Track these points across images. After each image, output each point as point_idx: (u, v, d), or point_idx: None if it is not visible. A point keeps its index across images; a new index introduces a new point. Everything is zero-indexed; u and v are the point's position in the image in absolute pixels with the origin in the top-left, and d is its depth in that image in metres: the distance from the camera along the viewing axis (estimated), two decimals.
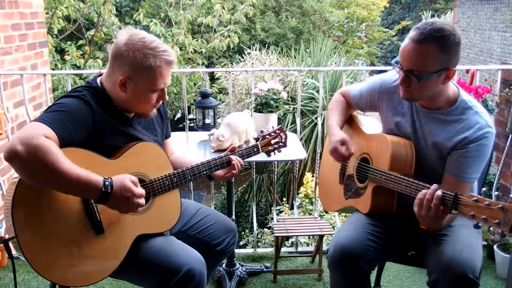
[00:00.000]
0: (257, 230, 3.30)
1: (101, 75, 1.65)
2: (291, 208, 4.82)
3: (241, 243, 4.65)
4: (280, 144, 2.02)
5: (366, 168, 1.82)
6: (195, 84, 7.25)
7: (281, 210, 4.73)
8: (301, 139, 4.31)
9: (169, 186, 1.67)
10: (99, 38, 7.08)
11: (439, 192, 1.46)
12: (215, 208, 3.29)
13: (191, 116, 7.64)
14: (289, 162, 5.00)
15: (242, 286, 2.56)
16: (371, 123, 2.04)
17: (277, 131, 2.01)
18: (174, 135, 2.14)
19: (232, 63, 8.14)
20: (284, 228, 2.60)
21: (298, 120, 3.09)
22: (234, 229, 1.93)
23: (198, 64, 7.65)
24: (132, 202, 1.46)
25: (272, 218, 3.43)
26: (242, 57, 6.93)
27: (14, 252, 1.54)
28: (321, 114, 3.18)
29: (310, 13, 10.91)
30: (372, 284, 2.12)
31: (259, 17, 10.46)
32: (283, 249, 2.95)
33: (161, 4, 8.06)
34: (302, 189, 4.68)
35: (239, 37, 7.85)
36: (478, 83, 2.71)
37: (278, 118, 3.44)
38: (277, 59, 6.53)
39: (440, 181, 1.68)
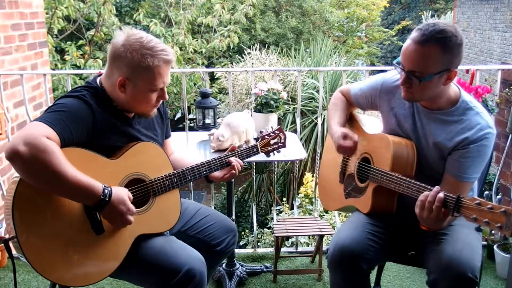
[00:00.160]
0: (257, 230, 3.30)
1: (101, 75, 1.65)
2: (291, 208, 4.82)
3: (241, 243, 4.65)
4: (279, 144, 2.02)
5: (367, 168, 1.82)
6: (195, 84, 7.25)
7: (281, 210, 4.73)
8: (301, 139, 4.31)
9: (169, 186, 1.67)
10: (99, 38, 7.08)
11: (441, 195, 1.46)
12: (215, 208, 3.29)
13: (191, 116, 7.64)
14: (289, 162, 5.00)
15: (242, 286, 2.56)
16: (372, 122, 2.03)
17: (276, 131, 2.01)
18: (174, 135, 2.14)
19: (232, 63, 8.14)
20: (284, 228, 2.60)
21: (298, 120, 3.09)
22: (234, 229, 1.93)
23: (198, 64, 7.65)
24: (126, 218, 1.49)
25: (272, 218, 3.43)
26: (242, 57, 6.93)
27: (14, 252, 1.54)
28: (321, 114, 3.18)
29: (310, 13, 10.91)
30: (372, 284, 2.12)
31: (259, 17, 10.46)
32: (283, 249, 2.95)
33: (161, 4, 8.06)
34: (302, 189, 4.68)
35: (239, 37, 7.85)
36: (478, 83, 2.71)
37: (278, 118, 3.44)
38: (277, 59, 6.53)
39: (441, 181, 1.68)
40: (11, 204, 1.39)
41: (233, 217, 2.49)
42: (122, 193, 1.48)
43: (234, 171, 1.81)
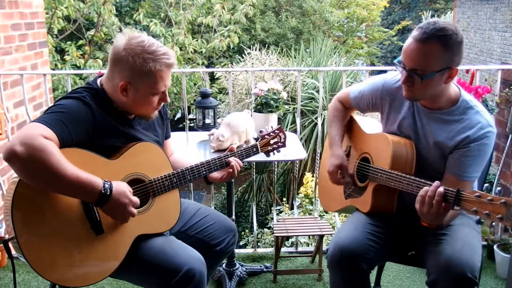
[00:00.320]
0: (257, 230, 3.30)
1: (101, 75, 1.65)
2: (291, 208, 4.82)
3: (241, 243, 4.65)
4: (279, 144, 2.02)
5: (367, 167, 1.82)
6: (195, 84, 7.25)
7: (281, 210, 4.73)
8: (301, 139, 4.31)
9: (168, 186, 1.67)
10: (99, 38, 7.08)
11: (441, 189, 1.46)
12: (215, 208, 3.29)
13: (191, 116, 7.64)
14: (289, 162, 5.00)
15: (242, 286, 2.56)
16: (371, 123, 2.04)
17: (276, 131, 2.01)
18: (174, 135, 2.14)
19: (232, 63, 8.14)
20: (284, 228, 2.60)
21: (298, 120, 3.09)
22: (234, 229, 1.93)
23: (198, 64, 7.65)
24: (128, 210, 1.48)
25: (272, 218, 3.43)
26: (242, 57, 6.92)
27: (13, 252, 1.54)
28: (321, 114, 3.18)
29: (310, 13, 10.91)
30: (372, 284, 2.12)
31: (259, 17, 10.46)
32: (283, 249, 2.95)
33: (161, 4, 8.05)
34: (302, 189, 4.68)
35: (239, 37, 7.85)
36: (478, 83, 2.71)
37: (278, 118, 3.44)
38: (277, 59, 6.53)
39: (441, 181, 1.68)
40: (10, 205, 1.39)
41: (233, 217, 2.49)
42: (122, 186, 1.48)
43: (232, 171, 1.81)
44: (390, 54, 15.63)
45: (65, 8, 6.02)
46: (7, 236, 1.45)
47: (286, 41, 10.40)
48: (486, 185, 1.49)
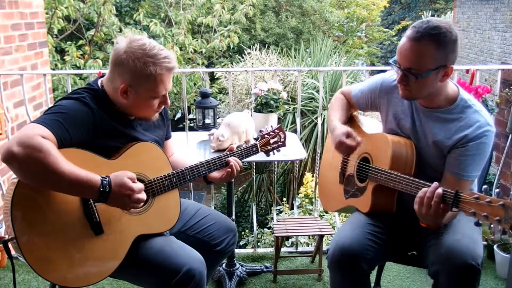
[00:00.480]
0: (257, 230, 3.30)
1: (102, 76, 1.65)
2: (291, 208, 4.83)
3: (241, 243, 4.65)
4: (279, 143, 2.02)
5: (367, 167, 1.82)
6: (195, 84, 7.25)
7: (281, 210, 4.73)
8: (301, 139, 4.31)
9: (168, 186, 1.67)
10: (99, 38, 7.08)
11: (439, 190, 1.46)
12: (215, 208, 3.29)
13: (191, 116, 7.63)
14: (289, 162, 5.00)
15: (242, 286, 2.55)
16: (371, 123, 2.04)
17: (276, 130, 2.01)
18: (174, 135, 2.14)
19: (232, 63, 8.15)
20: (284, 228, 2.60)
21: (298, 120, 3.09)
22: (234, 229, 1.93)
23: (198, 64, 7.65)
24: (134, 198, 1.46)
25: (272, 218, 3.43)
26: (242, 57, 6.93)
27: (13, 252, 1.54)
28: (321, 114, 3.18)
29: (310, 13, 10.91)
30: (372, 284, 2.12)
31: (259, 17, 10.46)
32: (283, 249, 2.95)
33: (161, 4, 8.06)
34: (302, 189, 4.69)
35: (239, 37, 7.85)
36: (478, 83, 2.71)
37: (278, 118, 3.43)
38: (277, 59, 6.54)
39: (440, 180, 1.68)
40: (10, 205, 1.39)
41: (233, 217, 2.48)
42: (121, 178, 1.45)
43: (231, 170, 1.81)
44: (390, 54, 15.62)
45: (65, 8, 6.02)
46: (7, 237, 1.45)
47: (286, 41, 10.40)
48: (484, 186, 1.49)
